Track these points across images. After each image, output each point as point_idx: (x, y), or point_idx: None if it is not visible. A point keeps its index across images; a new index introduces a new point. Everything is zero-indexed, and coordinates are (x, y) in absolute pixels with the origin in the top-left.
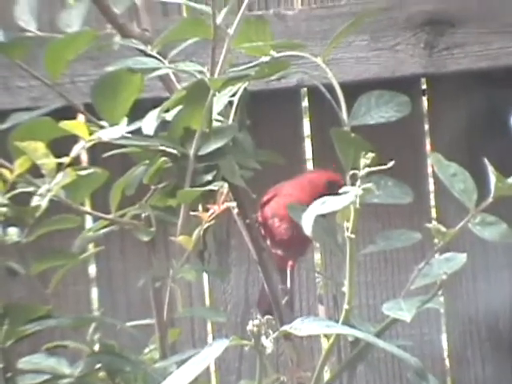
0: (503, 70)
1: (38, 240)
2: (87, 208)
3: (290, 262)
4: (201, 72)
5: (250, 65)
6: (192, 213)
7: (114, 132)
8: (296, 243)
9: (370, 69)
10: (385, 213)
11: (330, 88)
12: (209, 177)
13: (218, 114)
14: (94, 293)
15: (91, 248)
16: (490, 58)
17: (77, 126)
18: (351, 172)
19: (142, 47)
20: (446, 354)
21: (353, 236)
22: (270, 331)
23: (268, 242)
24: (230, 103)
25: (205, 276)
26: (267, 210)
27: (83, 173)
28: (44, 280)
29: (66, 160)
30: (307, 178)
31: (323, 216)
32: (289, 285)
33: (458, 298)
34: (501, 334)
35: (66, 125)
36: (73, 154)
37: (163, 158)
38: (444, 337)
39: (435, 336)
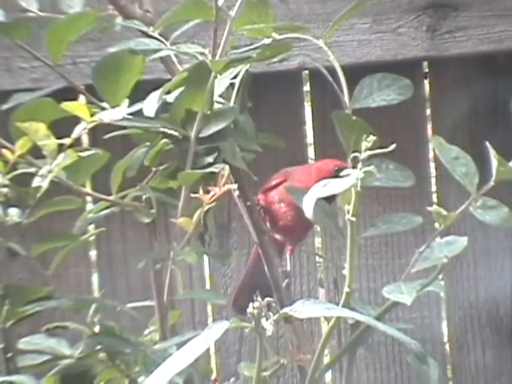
0: (506, 53)
1: (38, 221)
2: (88, 189)
3: (289, 247)
4: (202, 54)
5: (252, 47)
6: (193, 195)
7: (116, 113)
8: (298, 229)
9: (372, 51)
10: (386, 196)
11: (331, 71)
12: (210, 159)
13: (220, 96)
14: (95, 275)
15: (92, 230)
16: (493, 41)
17: (78, 107)
18: (352, 155)
19: (144, 28)
20: (446, 338)
21: (354, 219)
22: (271, 313)
23: (268, 225)
24: (232, 85)
25: (205, 259)
26: (273, 195)
27: (84, 154)
28: (45, 261)
29: (67, 141)
30: (317, 165)
31: (326, 200)
32: (289, 269)
33: (459, 283)
34: (501, 320)
35: (68, 106)
36: (74, 135)
37: (164, 140)
38: (444, 321)
39: (435, 320)
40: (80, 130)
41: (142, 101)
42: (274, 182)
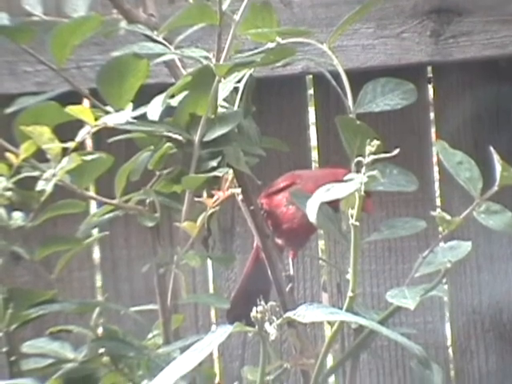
0: (509, 58)
1: (42, 225)
2: (92, 193)
3: (291, 251)
4: (206, 58)
5: (256, 51)
6: (196, 199)
7: (120, 117)
8: (303, 232)
9: (376, 56)
10: (389, 201)
11: (335, 75)
12: (214, 163)
13: (224, 100)
14: (98, 278)
15: (95, 233)
16: (496, 46)
17: (82, 111)
18: (356, 159)
19: (148, 33)
20: (449, 343)
21: (357, 224)
22: (274, 318)
23: (271, 229)
24: (236, 90)
25: (209, 263)
26: (281, 198)
27: (88, 158)
28: (48, 265)
29: (71, 145)
30: (327, 171)
31: (330, 205)
32: (292, 273)
33: (462, 288)
34: (504, 325)
35: (72, 110)
36: (78, 138)
37: (168, 144)
38: (448, 326)
39: (439, 325)
40: (84, 134)
41: (146, 105)
42: (282, 185)
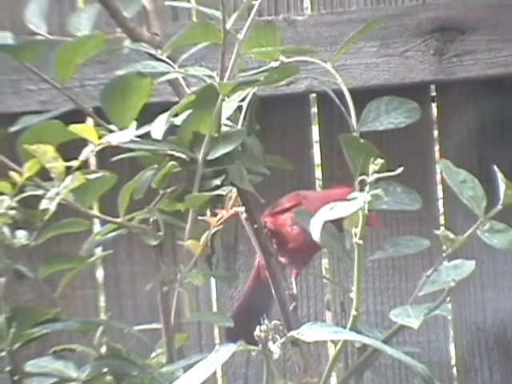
0: None
1: (45, 244)
2: (95, 212)
3: (294, 270)
4: (210, 77)
5: (260, 70)
6: (200, 217)
7: (123, 136)
8: (306, 252)
9: (380, 75)
10: (393, 219)
11: (339, 94)
12: (217, 181)
13: (227, 118)
14: (102, 297)
15: (99, 252)
16: (500, 65)
17: (86, 129)
18: (360, 178)
19: (152, 51)
20: (453, 361)
21: (361, 242)
22: (277, 337)
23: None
24: (239, 108)
25: (212, 281)
26: (286, 218)
27: (92, 176)
28: (52, 283)
29: (74, 163)
30: (332, 191)
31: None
32: (295, 291)
33: (466, 306)
34: (509, 343)
35: (76, 128)
36: (82, 157)
37: (172, 163)
38: (452, 344)
39: (443, 343)
40: (88, 153)
41: (149, 123)
42: (287, 205)
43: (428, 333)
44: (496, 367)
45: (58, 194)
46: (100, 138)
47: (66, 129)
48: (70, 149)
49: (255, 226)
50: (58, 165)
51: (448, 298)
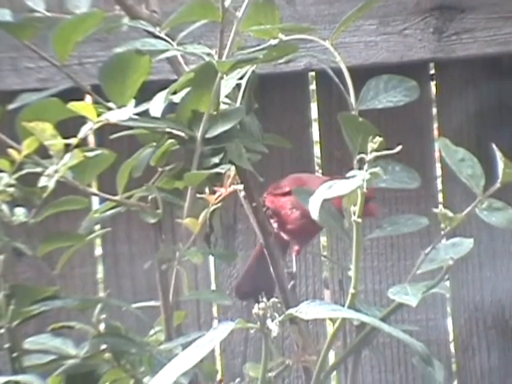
0: None
1: (44, 221)
2: (94, 189)
3: (295, 247)
4: (209, 54)
5: (258, 48)
6: (198, 195)
7: (122, 114)
8: (306, 233)
9: (379, 53)
10: (392, 198)
11: (338, 72)
12: (216, 160)
13: (226, 97)
14: (100, 274)
15: (98, 230)
16: (499, 43)
17: (84, 107)
18: (359, 156)
19: (151, 29)
20: (451, 340)
21: (359, 220)
22: (276, 314)
23: (275, 225)
24: (238, 86)
25: (210, 259)
26: (286, 200)
27: (90, 154)
28: (51, 261)
29: (73, 141)
30: (334, 178)
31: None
32: (294, 270)
33: (464, 285)
34: (506, 322)
35: (74, 106)
36: (80, 135)
37: (170, 141)
38: (450, 323)
39: (441, 322)
40: (86, 130)
41: (148, 101)
42: (287, 189)
43: (426, 311)
44: (494, 346)
45: (56, 171)
46: (98, 115)
47: (64, 106)
48: (69, 127)
49: (254, 204)
50: (57, 142)
51: (446, 277)
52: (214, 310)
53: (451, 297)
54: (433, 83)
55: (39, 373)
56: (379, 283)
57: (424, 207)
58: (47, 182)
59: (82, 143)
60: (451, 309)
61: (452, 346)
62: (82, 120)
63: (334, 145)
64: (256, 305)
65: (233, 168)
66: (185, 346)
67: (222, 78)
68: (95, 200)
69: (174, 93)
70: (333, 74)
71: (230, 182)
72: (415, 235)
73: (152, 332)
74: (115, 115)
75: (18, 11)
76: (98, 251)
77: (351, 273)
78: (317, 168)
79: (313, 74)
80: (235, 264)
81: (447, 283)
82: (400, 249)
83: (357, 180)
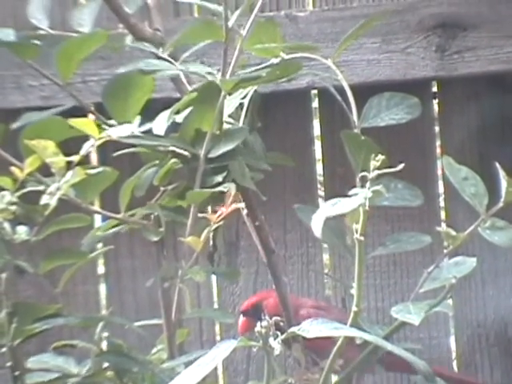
0: None
1: (46, 239)
2: (96, 207)
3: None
4: (211, 74)
5: (261, 66)
6: (200, 214)
7: (124, 130)
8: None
9: (381, 71)
10: (395, 216)
11: (340, 90)
12: (219, 178)
13: (229, 116)
14: (103, 292)
15: (100, 247)
16: (502, 61)
17: (86, 123)
18: (361, 174)
19: (154, 50)
20: (454, 357)
21: (362, 238)
22: (278, 333)
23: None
24: (241, 105)
25: (213, 277)
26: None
27: (93, 171)
28: (53, 279)
29: (75, 158)
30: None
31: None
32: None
33: (467, 303)
34: (509, 340)
35: (76, 123)
36: (82, 152)
37: (173, 160)
38: (452, 341)
39: (444, 340)
40: (88, 147)
41: (151, 119)
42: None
43: (429, 329)
44: (496, 364)
45: (58, 188)
46: (101, 133)
47: (67, 125)
48: (71, 145)
49: (257, 223)
50: (59, 159)
51: (449, 295)
52: (217, 328)
53: (454, 314)
54: (435, 101)
55: None
56: (382, 301)
57: (427, 225)
58: (49, 200)
59: (84, 161)
60: (454, 326)
61: (455, 364)
62: (84, 138)
63: (337, 162)
64: (258, 323)
65: (233, 186)
66: (187, 365)
67: (225, 96)
68: (98, 218)
69: (177, 112)
70: (335, 92)
71: (231, 201)
72: (418, 253)
73: (154, 350)
74: (117, 132)
75: (21, 28)
76: (101, 269)
77: (354, 291)
78: (319, 186)
79: (315, 92)
80: (238, 281)
81: (450, 301)
82: (403, 267)
83: (359, 198)
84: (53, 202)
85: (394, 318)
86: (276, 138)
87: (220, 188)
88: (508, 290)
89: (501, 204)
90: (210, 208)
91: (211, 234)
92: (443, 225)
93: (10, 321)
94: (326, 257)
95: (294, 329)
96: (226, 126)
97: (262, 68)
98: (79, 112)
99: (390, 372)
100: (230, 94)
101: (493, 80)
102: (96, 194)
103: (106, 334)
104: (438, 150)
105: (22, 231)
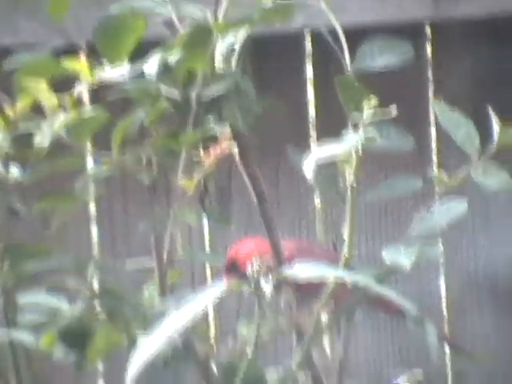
0: (509, 18)
1: (39, 183)
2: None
3: None
4: (204, 14)
5: (253, 8)
6: (193, 157)
7: (116, 72)
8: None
9: (374, 14)
10: (388, 164)
11: (333, 33)
12: (211, 122)
13: (221, 59)
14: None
15: (92, 190)
16: (496, 5)
17: (79, 64)
18: (353, 117)
19: None
20: (444, 302)
21: (354, 184)
22: (270, 275)
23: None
24: (233, 48)
25: (205, 223)
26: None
27: (85, 113)
28: (45, 222)
29: (67, 98)
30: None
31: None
32: None
33: (458, 250)
34: (498, 285)
35: (68, 63)
36: (75, 92)
37: (165, 101)
38: (442, 283)
39: (434, 285)
40: (80, 88)
41: (142, 61)
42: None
43: (419, 275)
44: (486, 309)
45: (51, 127)
46: (93, 74)
47: (58, 64)
48: (64, 88)
49: (249, 169)
50: (51, 97)
51: (440, 241)
52: (208, 271)
53: (444, 261)
54: (429, 44)
55: (33, 329)
56: (373, 248)
57: (421, 174)
58: (42, 140)
59: (77, 104)
60: (444, 272)
61: (444, 309)
62: (75, 82)
63: (329, 105)
64: (249, 266)
65: (226, 129)
66: (178, 304)
67: (217, 38)
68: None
69: (169, 54)
70: (327, 35)
71: (224, 145)
72: (410, 199)
73: (145, 290)
74: (109, 74)
75: None
76: (93, 213)
77: (345, 236)
78: (311, 128)
79: (308, 34)
80: (229, 226)
81: (440, 246)
82: (394, 214)
83: (351, 141)
84: (46, 141)
85: (385, 266)
86: (268, 81)
87: (212, 131)
88: (499, 237)
89: (493, 147)
90: (201, 152)
91: (203, 178)
92: (436, 170)
93: (1, 262)
94: (317, 201)
95: (285, 270)
96: (218, 69)
97: (254, 10)
98: (71, 53)
99: (374, 312)
100: (222, 36)
101: (487, 24)
102: (88, 136)
103: (96, 277)
104: (432, 95)
105: (16, 172)
